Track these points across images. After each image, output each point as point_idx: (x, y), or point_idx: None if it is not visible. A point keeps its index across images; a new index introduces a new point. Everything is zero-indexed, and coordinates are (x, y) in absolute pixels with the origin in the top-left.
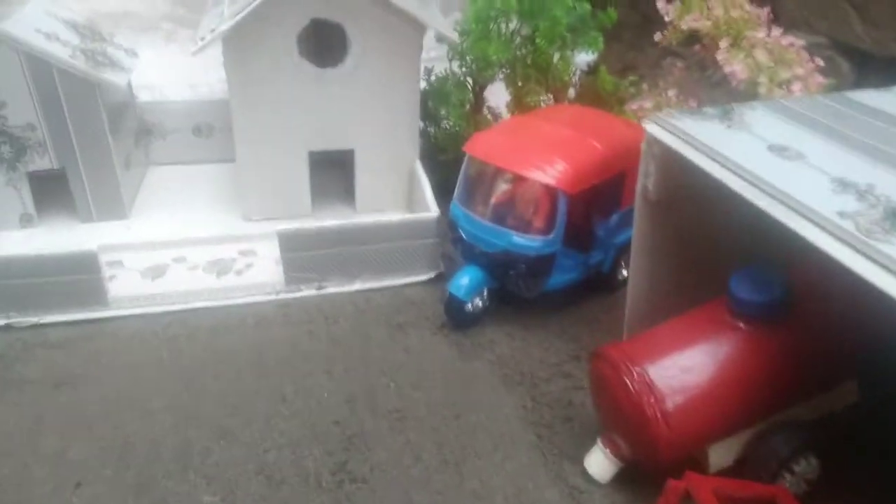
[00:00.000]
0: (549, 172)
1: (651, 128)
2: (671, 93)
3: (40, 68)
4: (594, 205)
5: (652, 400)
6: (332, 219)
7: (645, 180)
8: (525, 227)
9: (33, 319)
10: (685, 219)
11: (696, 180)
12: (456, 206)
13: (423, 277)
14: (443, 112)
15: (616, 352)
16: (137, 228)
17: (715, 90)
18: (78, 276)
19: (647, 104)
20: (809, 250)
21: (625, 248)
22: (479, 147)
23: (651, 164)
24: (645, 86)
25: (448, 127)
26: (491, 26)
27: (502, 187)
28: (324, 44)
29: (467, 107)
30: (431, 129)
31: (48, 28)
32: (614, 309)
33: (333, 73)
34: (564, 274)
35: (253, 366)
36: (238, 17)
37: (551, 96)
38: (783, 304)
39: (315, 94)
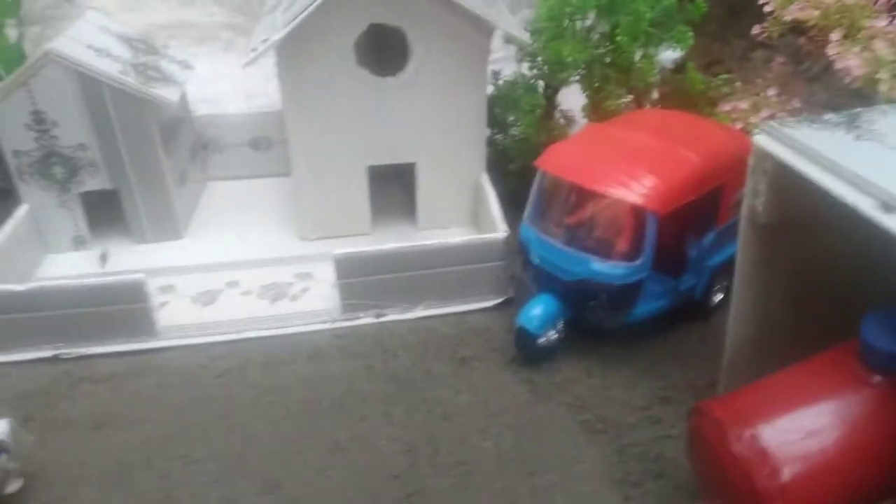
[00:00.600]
0: (636, 190)
1: (761, 139)
2: (770, 91)
3: (91, 86)
4: (687, 223)
5: (766, 471)
6: (393, 236)
7: (753, 200)
8: (607, 252)
9: (81, 350)
10: (802, 246)
11: (819, 201)
12: (527, 227)
13: (490, 303)
14: (511, 118)
15: (721, 409)
16: (192, 249)
17: (814, 85)
18: (125, 306)
19: (743, 104)
20: None
21: (720, 271)
22: (554, 161)
23: (761, 182)
24: (738, 83)
25: (517, 134)
26: (565, 24)
27: (581, 206)
28: (383, 51)
29: (538, 112)
30: (499, 137)
31: (100, 44)
32: (709, 340)
33: (394, 81)
34: (652, 302)
35: (306, 407)
36: (291, 26)
37: (633, 99)
38: None
39: (374, 105)
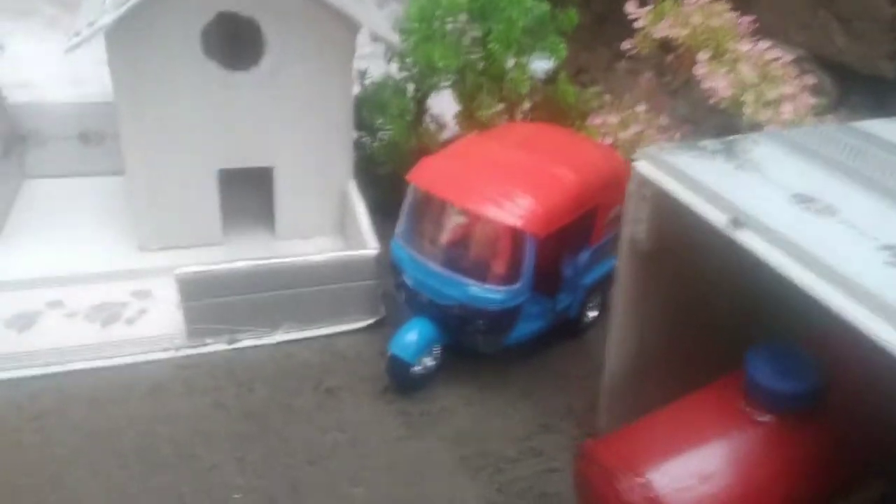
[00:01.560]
0: (514, 211)
1: (642, 167)
2: (640, 107)
3: None
4: (564, 243)
5: None
6: (248, 246)
7: (634, 227)
8: (485, 276)
9: None
10: (682, 273)
11: (699, 229)
12: (399, 245)
13: (360, 324)
14: (379, 122)
15: (608, 453)
16: (3, 261)
17: (675, 99)
18: None
19: (613, 119)
20: (850, 331)
21: (594, 289)
22: (427, 176)
23: (642, 209)
24: (607, 97)
25: (385, 138)
26: (436, 26)
27: (456, 225)
28: (238, 43)
29: (408, 117)
30: (367, 140)
31: None
32: (584, 360)
33: (246, 76)
34: (530, 323)
35: (143, 455)
36: (125, 8)
37: (505, 108)
38: (816, 393)
39: (224, 102)
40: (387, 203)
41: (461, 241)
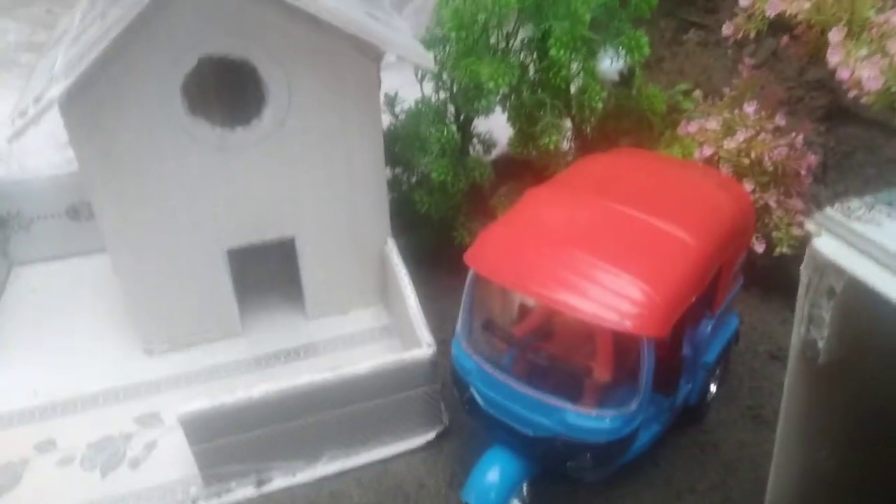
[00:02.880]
0: (622, 306)
1: (826, 246)
2: (748, 107)
3: None
4: (683, 326)
5: None
6: (274, 333)
7: (811, 334)
8: (588, 398)
9: None
10: (871, 385)
11: None
12: (462, 351)
13: (419, 441)
14: (422, 160)
15: None
16: None
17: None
18: None
19: (711, 124)
20: None
21: (717, 364)
22: (492, 258)
23: (824, 309)
24: (698, 92)
25: (428, 177)
26: (478, 34)
27: (540, 324)
28: (234, 92)
29: (452, 147)
30: (402, 175)
31: None
32: (710, 463)
33: (247, 133)
34: (644, 432)
35: None
36: (77, 73)
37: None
38: None
39: (222, 167)
40: (434, 250)
41: (549, 348)
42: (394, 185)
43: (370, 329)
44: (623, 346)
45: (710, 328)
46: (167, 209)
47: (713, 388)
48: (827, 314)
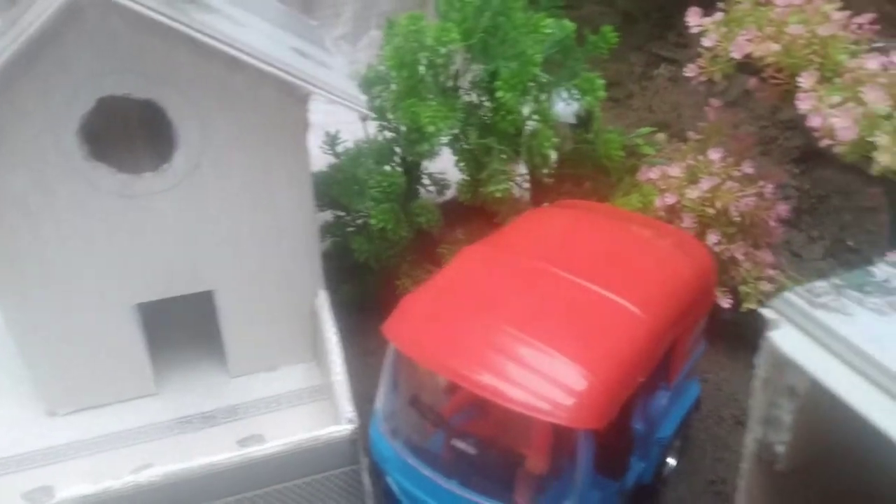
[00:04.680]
0: (558, 397)
1: (785, 338)
2: (713, 154)
3: None
4: (631, 406)
5: None
6: (192, 391)
7: (768, 437)
8: (521, 491)
9: None
10: (836, 490)
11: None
12: (379, 434)
13: None
14: (358, 203)
15: None
16: None
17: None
18: None
19: (674, 171)
20: None
21: (674, 438)
22: (413, 332)
23: (784, 411)
24: (661, 135)
25: (368, 223)
26: (420, 73)
27: (467, 413)
28: (138, 133)
29: (396, 192)
30: (346, 218)
31: None
32: None
33: (156, 180)
34: None
35: None
36: None
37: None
38: None
39: (128, 217)
40: (377, 299)
41: (482, 429)
42: (334, 228)
43: (300, 389)
44: (561, 434)
45: (665, 401)
46: (65, 261)
47: (672, 461)
48: (788, 416)
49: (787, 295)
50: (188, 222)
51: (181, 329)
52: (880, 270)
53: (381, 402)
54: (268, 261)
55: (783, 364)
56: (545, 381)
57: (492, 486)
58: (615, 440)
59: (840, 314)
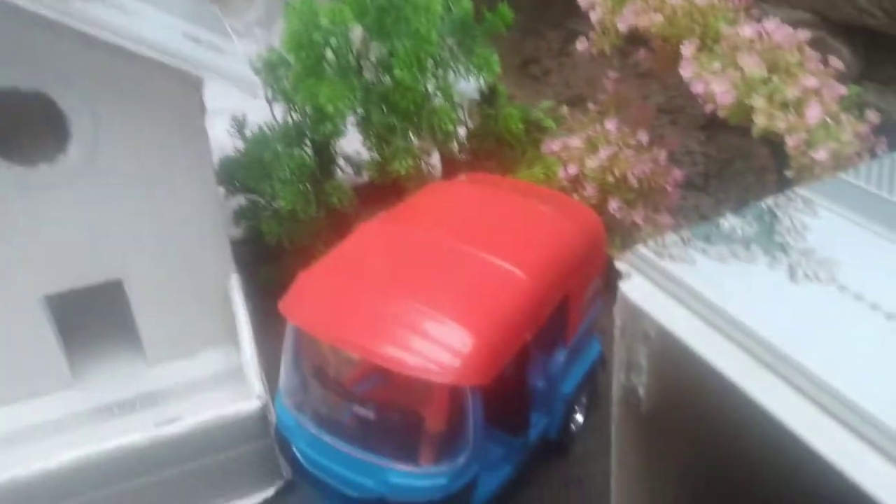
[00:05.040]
0: (442, 357)
1: (636, 290)
2: (609, 124)
3: None
4: (526, 361)
5: None
6: (111, 380)
7: (630, 380)
8: (412, 454)
9: None
10: (703, 435)
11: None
12: (285, 409)
13: (257, 500)
14: (266, 186)
15: None
16: None
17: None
18: None
19: (575, 142)
20: None
21: (578, 393)
22: (308, 308)
23: (640, 354)
24: (564, 108)
25: (278, 207)
26: (320, 54)
27: (363, 382)
28: (31, 126)
29: (306, 173)
30: (258, 201)
31: None
32: (578, 501)
33: (52, 172)
34: (491, 477)
35: None
36: None
37: (434, 149)
38: None
39: (26, 210)
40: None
41: (385, 396)
42: (248, 213)
43: (219, 372)
44: (456, 398)
45: (563, 358)
46: None
47: (579, 418)
48: (644, 360)
49: (639, 248)
50: (90, 212)
51: (97, 319)
52: (727, 222)
53: (283, 377)
54: (174, 248)
55: (634, 312)
56: (435, 345)
57: (394, 448)
58: (513, 398)
59: (685, 263)
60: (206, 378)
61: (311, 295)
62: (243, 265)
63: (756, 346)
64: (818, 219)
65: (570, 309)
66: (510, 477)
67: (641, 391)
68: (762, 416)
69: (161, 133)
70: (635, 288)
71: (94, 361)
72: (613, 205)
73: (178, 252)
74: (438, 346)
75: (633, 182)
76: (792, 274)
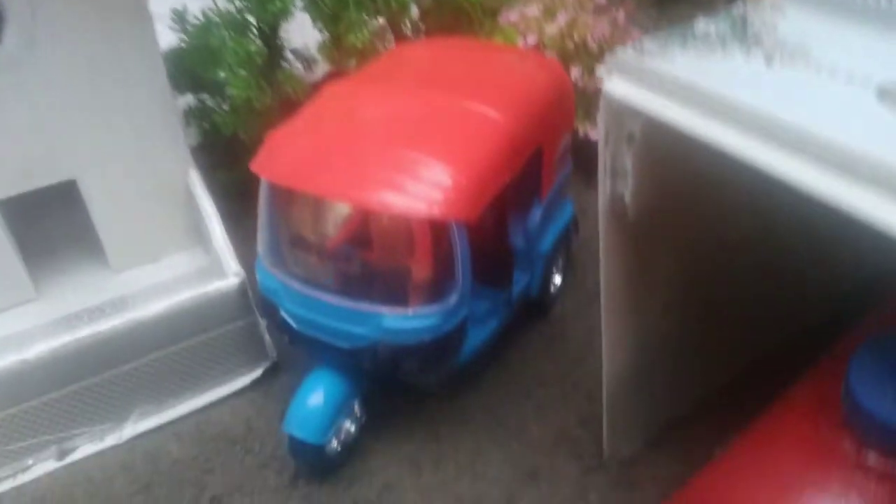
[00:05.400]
0: (425, 192)
1: (617, 88)
2: None
3: None
4: (506, 209)
5: None
6: (74, 291)
7: (615, 187)
8: (402, 297)
9: None
10: (693, 239)
11: (723, 174)
12: (266, 271)
13: (244, 381)
14: (220, 75)
15: None
16: None
17: None
18: None
19: (533, 11)
20: None
21: (555, 251)
22: (281, 162)
23: (625, 157)
24: None
25: (232, 96)
26: None
27: (343, 227)
28: None
29: (258, 62)
30: (209, 101)
31: None
32: (559, 353)
33: None
34: (479, 330)
35: None
36: None
37: (387, 25)
38: None
39: None
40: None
41: (356, 251)
42: (198, 112)
43: (187, 274)
44: (441, 238)
45: (539, 215)
46: None
47: (557, 279)
48: (629, 162)
49: (618, 51)
50: (32, 106)
51: (57, 230)
52: (701, 25)
53: (261, 240)
54: (127, 141)
55: (618, 112)
56: (419, 183)
57: (385, 294)
58: (496, 250)
59: (665, 59)
60: (177, 279)
61: (284, 151)
62: (200, 172)
63: (742, 114)
64: (787, 19)
65: (544, 161)
66: (496, 331)
67: (627, 197)
68: (747, 190)
69: (103, 16)
70: (617, 87)
71: (57, 274)
72: (575, 73)
73: (131, 146)
74: (422, 185)
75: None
76: (769, 61)
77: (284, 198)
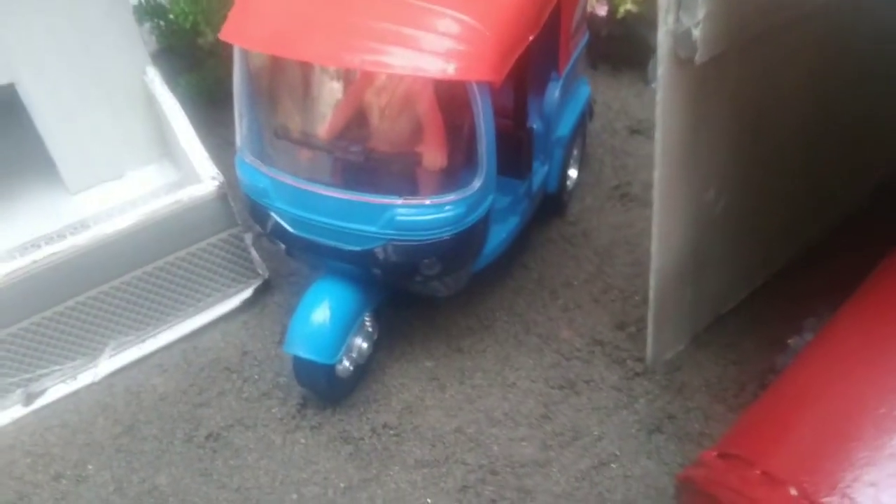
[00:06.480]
0: (444, 46)
1: None
2: None
3: None
4: (524, 84)
5: None
6: (27, 217)
7: (678, 20)
8: (417, 183)
9: None
10: (762, 93)
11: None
12: (250, 167)
13: (234, 303)
14: None
15: (772, 468)
16: None
17: None
18: None
19: None
20: None
21: (573, 138)
22: (259, 26)
23: None
24: None
25: None
26: None
27: (352, 122)
28: None
29: None
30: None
31: None
32: (582, 254)
33: None
34: (499, 228)
35: None
36: None
37: None
38: None
39: None
40: (227, 85)
41: (359, 131)
42: (150, 9)
43: (154, 190)
44: (455, 114)
45: (557, 92)
46: None
47: (573, 173)
48: None
49: None
50: None
51: (5, 156)
52: None
53: (240, 133)
54: (71, 37)
55: None
56: (429, 38)
57: (398, 182)
58: (515, 132)
59: None
60: (141, 197)
61: (261, 10)
62: (163, 79)
63: None
64: None
65: (562, 24)
66: (516, 230)
67: (696, 33)
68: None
69: None
70: None
71: (6, 200)
72: None
73: (76, 42)
74: (435, 39)
75: None
76: None
77: (265, 75)
